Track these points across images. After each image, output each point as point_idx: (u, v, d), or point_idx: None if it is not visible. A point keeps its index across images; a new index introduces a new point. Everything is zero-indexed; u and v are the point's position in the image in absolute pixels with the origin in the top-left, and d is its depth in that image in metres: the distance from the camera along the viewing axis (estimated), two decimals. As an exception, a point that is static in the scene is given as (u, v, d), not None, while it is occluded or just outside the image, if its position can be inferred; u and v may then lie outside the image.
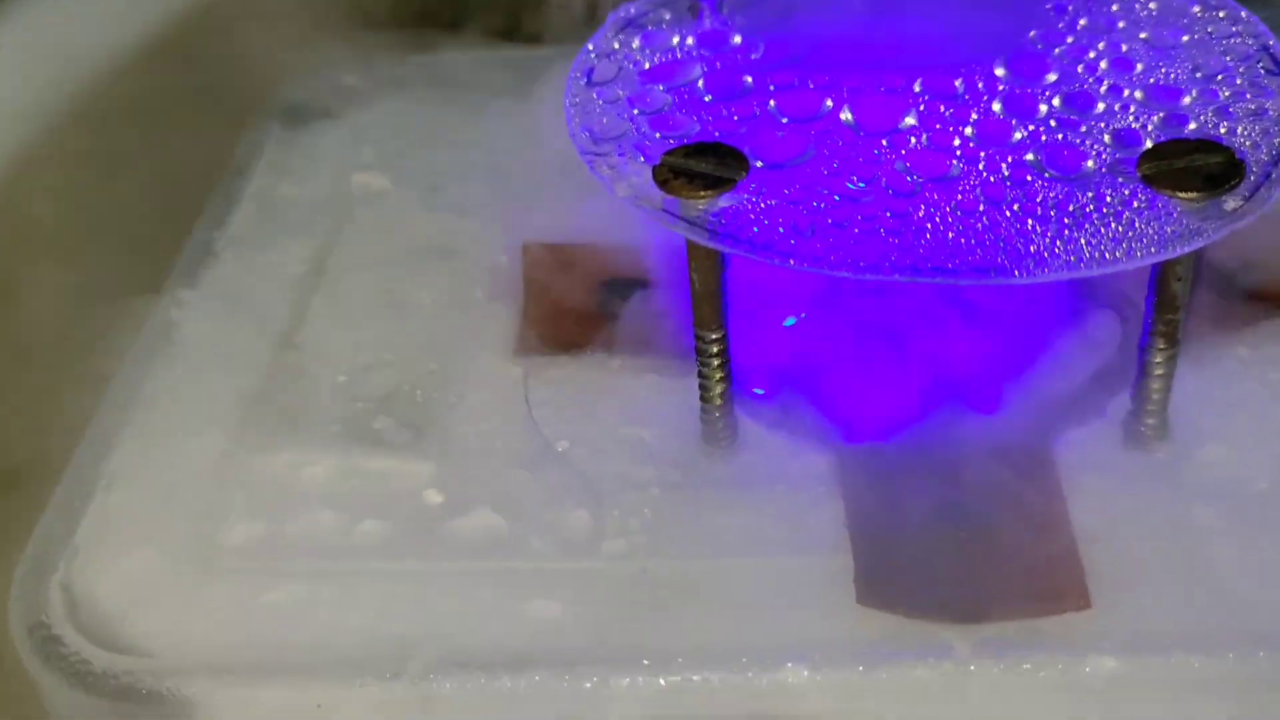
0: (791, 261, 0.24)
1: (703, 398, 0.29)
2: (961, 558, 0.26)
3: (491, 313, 0.34)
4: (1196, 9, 0.30)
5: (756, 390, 0.31)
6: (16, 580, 0.27)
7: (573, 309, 0.34)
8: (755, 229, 0.25)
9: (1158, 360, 0.28)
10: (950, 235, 0.24)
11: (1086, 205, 0.25)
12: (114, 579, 0.28)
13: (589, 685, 0.25)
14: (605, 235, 0.35)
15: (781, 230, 0.25)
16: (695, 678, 0.25)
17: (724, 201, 0.26)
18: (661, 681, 0.25)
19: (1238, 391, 0.30)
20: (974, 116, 0.27)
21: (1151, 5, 0.30)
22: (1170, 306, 0.27)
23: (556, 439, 0.30)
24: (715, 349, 0.28)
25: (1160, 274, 0.26)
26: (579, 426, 0.31)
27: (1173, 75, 0.28)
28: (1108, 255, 0.24)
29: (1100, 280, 0.32)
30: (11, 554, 0.28)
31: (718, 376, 0.29)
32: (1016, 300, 0.32)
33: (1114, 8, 0.30)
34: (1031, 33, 0.29)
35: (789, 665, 0.25)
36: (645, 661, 0.25)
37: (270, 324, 0.34)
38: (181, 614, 0.27)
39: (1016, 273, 0.23)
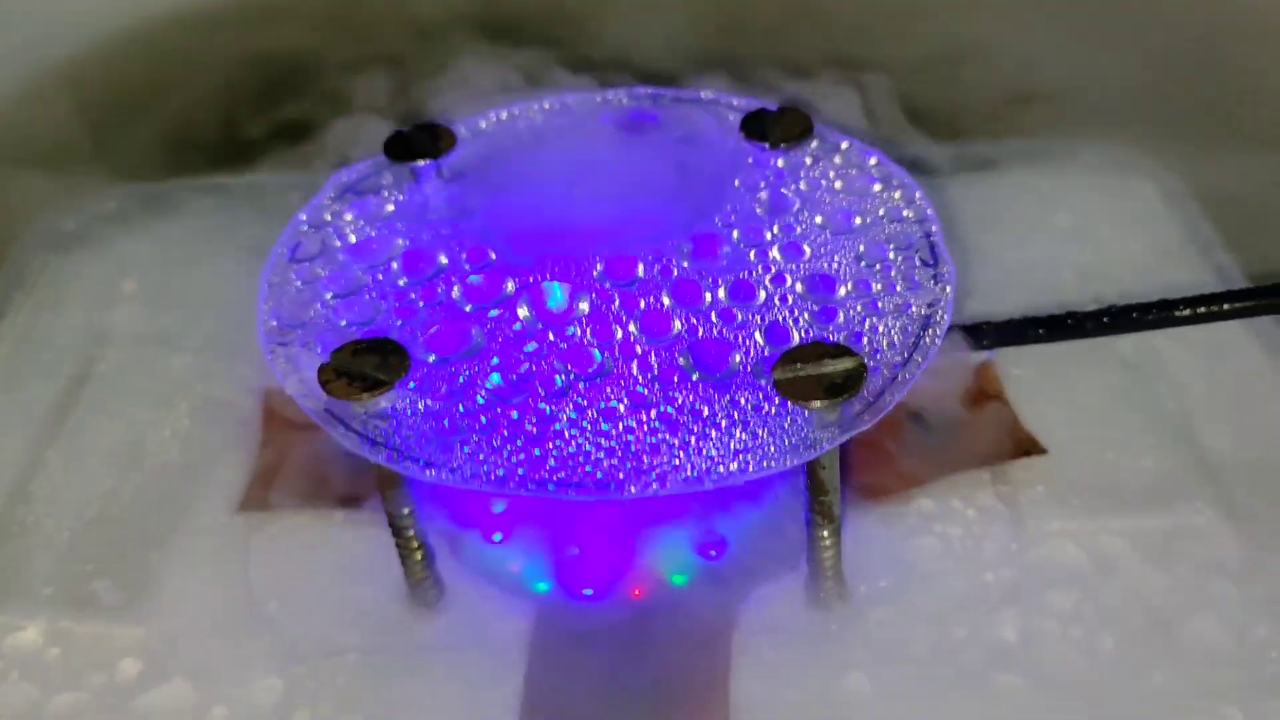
0: (429, 474, 0.25)
1: (405, 568, 0.30)
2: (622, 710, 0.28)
3: (226, 462, 0.34)
4: (877, 186, 0.31)
5: (495, 538, 0.32)
6: None
7: (305, 462, 0.34)
8: (400, 437, 0.26)
9: (823, 534, 0.29)
10: (584, 446, 0.25)
11: (718, 415, 0.26)
12: None
13: None
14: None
15: (427, 439, 0.26)
16: None
17: (383, 402, 0.27)
18: None
19: (915, 549, 0.32)
20: (643, 305, 0.28)
21: (837, 184, 0.32)
22: (821, 490, 0.28)
23: (267, 599, 0.31)
24: (407, 524, 0.30)
25: (809, 464, 0.28)
26: (293, 585, 0.31)
27: (835, 264, 0.29)
28: (726, 468, 0.25)
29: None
30: None
31: (414, 546, 0.30)
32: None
33: (802, 184, 0.31)
34: (719, 215, 0.30)
35: None
36: None
37: (4, 474, 0.34)
38: None
39: (632, 489, 0.25)
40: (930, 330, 0.28)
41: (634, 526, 0.32)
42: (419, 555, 0.30)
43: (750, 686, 0.29)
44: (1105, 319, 0.32)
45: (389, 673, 0.29)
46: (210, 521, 0.33)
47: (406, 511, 0.29)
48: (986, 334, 0.33)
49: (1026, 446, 0.33)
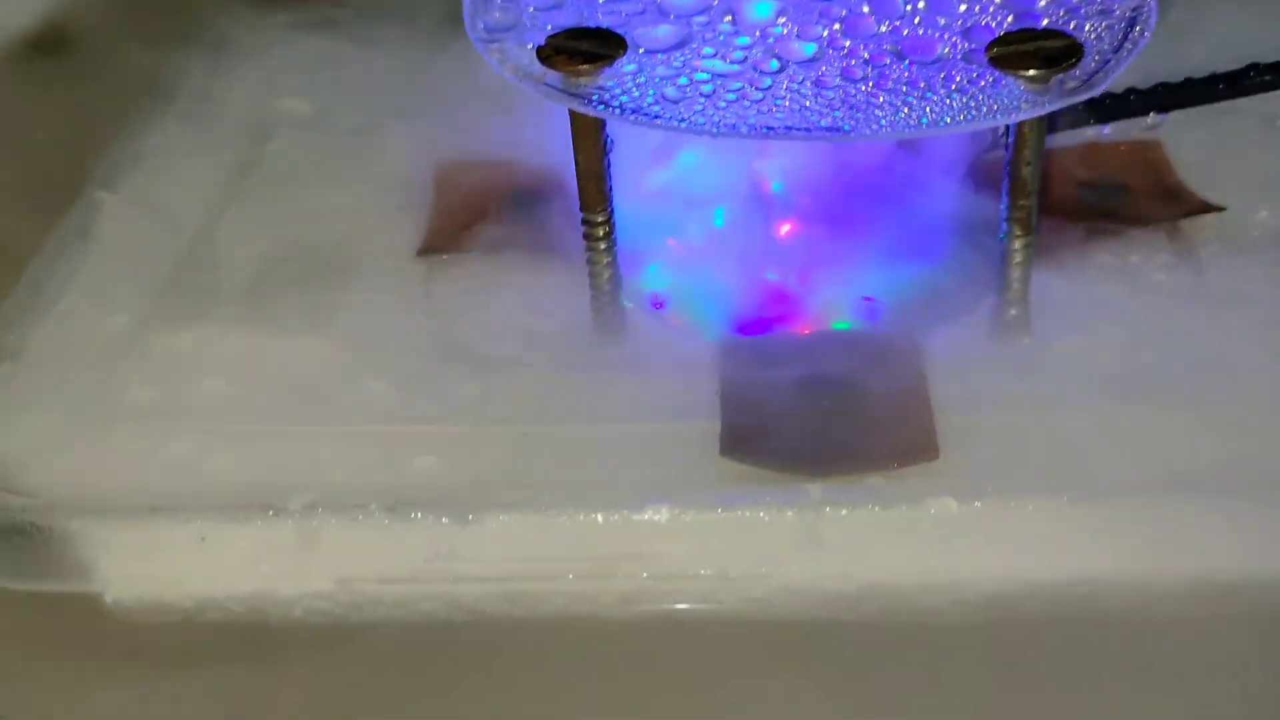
0: (658, 122, 0.26)
1: (592, 284, 0.31)
2: (823, 421, 0.28)
3: (400, 221, 0.35)
4: (1062, -69, 0.32)
5: (653, 304, 0.33)
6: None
7: (479, 217, 0.35)
8: (627, 98, 0.27)
9: (1015, 247, 0.29)
10: (806, 104, 0.26)
11: (936, 82, 0.26)
12: (14, 435, 0.29)
13: (461, 523, 0.26)
14: (515, 153, 0.37)
15: (652, 98, 0.27)
16: (563, 517, 0.26)
17: (603, 77, 0.27)
18: (532, 518, 0.26)
19: (1099, 293, 0.32)
20: (843, 13, 0.29)
21: (1020, -70, 0.32)
22: (1022, 192, 0.28)
23: (453, 326, 0.32)
24: (601, 231, 0.30)
25: (1011, 161, 0.28)
26: (476, 317, 0.32)
27: (1031, -18, 0.30)
28: (948, 120, 0.25)
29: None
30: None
31: (605, 260, 0.30)
32: (898, 208, 0.34)
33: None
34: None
35: (651, 507, 0.26)
36: (517, 502, 0.26)
37: (185, 225, 0.35)
38: (78, 465, 0.28)
39: (866, 131, 0.25)
40: (1137, 28, 0.28)
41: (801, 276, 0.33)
42: (607, 274, 0.31)
43: (943, 394, 0.29)
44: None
45: (583, 382, 0.30)
46: (389, 265, 0.34)
47: (602, 219, 0.30)
48: (1165, 94, 0.33)
49: (1201, 206, 0.33)
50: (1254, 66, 0.33)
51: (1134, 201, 0.34)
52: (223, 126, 0.39)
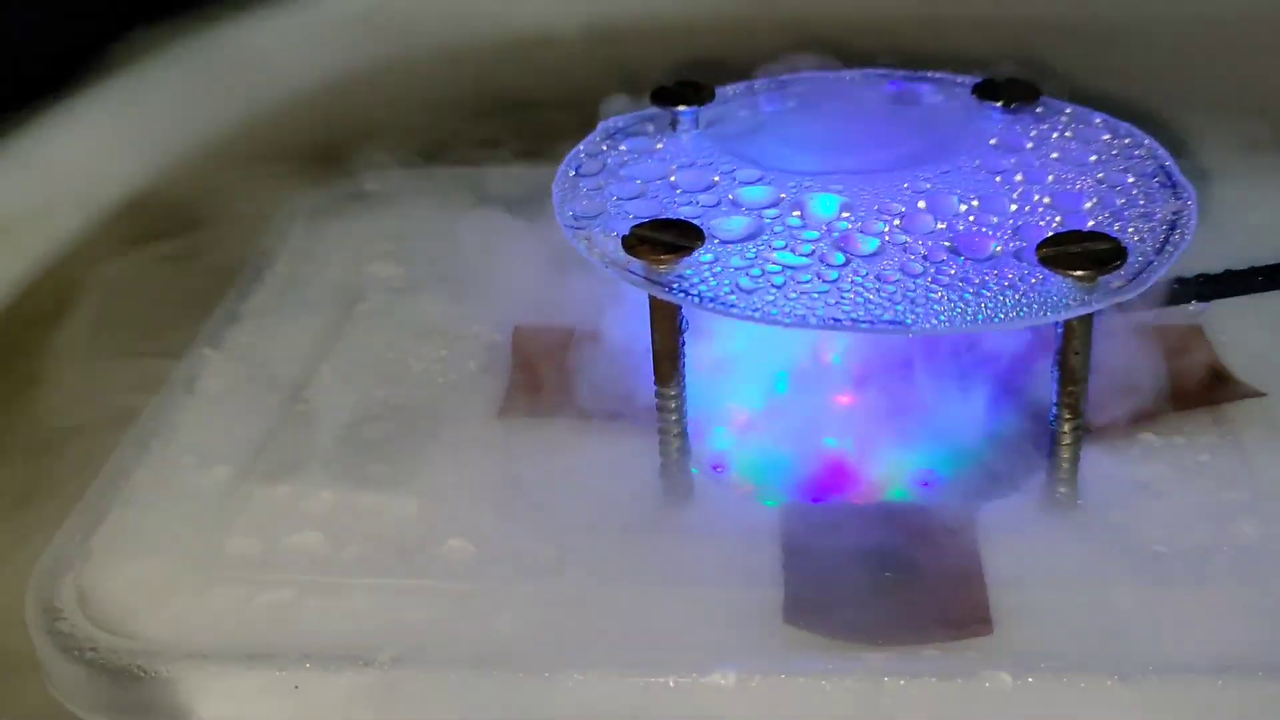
0: (734, 311, 0.28)
1: (662, 452, 0.33)
2: (882, 592, 0.29)
3: (481, 383, 0.38)
4: (1106, 136, 0.34)
5: (716, 468, 0.35)
6: (34, 575, 0.31)
7: (554, 381, 0.37)
8: (705, 287, 0.29)
9: (1065, 430, 0.31)
10: (869, 297, 0.28)
11: (989, 279, 0.29)
12: (122, 581, 0.31)
13: (538, 682, 0.28)
14: (588, 320, 0.39)
15: (728, 288, 0.29)
16: (636, 679, 0.28)
17: (681, 266, 0.30)
18: (607, 682, 0.28)
19: (1145, 472, 0.33)
20: (901, 210, 0.31)
21: (1067, 133, 0.35)
22: (1071, 379, 0.30)
23: (531, 488, 0.34)
24: (673, 404, 0.32)
25: (1061, 350, 0.30)
26: (552, 479, 0.34)
27: (1077, 186, 0.32)
28: (1001, 317, 0.27)
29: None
30: (33, 554, 0.31)
31: (675, 431, 0.32)
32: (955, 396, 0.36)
33: (1032, 133, 0.35)
34: (956, 152, 0.34)
35: (718, 670, 0.27)
36: (591, 663, 0.28)
37: (282, 381, 0.38)
38: (180, 612, 0.30)
39: (925, 326, 0.27)
40: (1178, 231, 0.30)
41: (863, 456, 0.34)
42: (677, 443, 0.33)
43: (996, 568, 0.30)
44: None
45: (652, 544, 0.31)
46: (472, 426, 0.36)
47: (675, 393, 0.32)
48: (1204, 285, 0.35)
49: (1244, 391, 0.35)
50: (1292, 261, 0.35)
51: (1177, 384, 0.36)
52: (318, 288, 0.42)
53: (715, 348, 0.36)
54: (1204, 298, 0.36)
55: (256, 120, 0.53)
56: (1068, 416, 0.31)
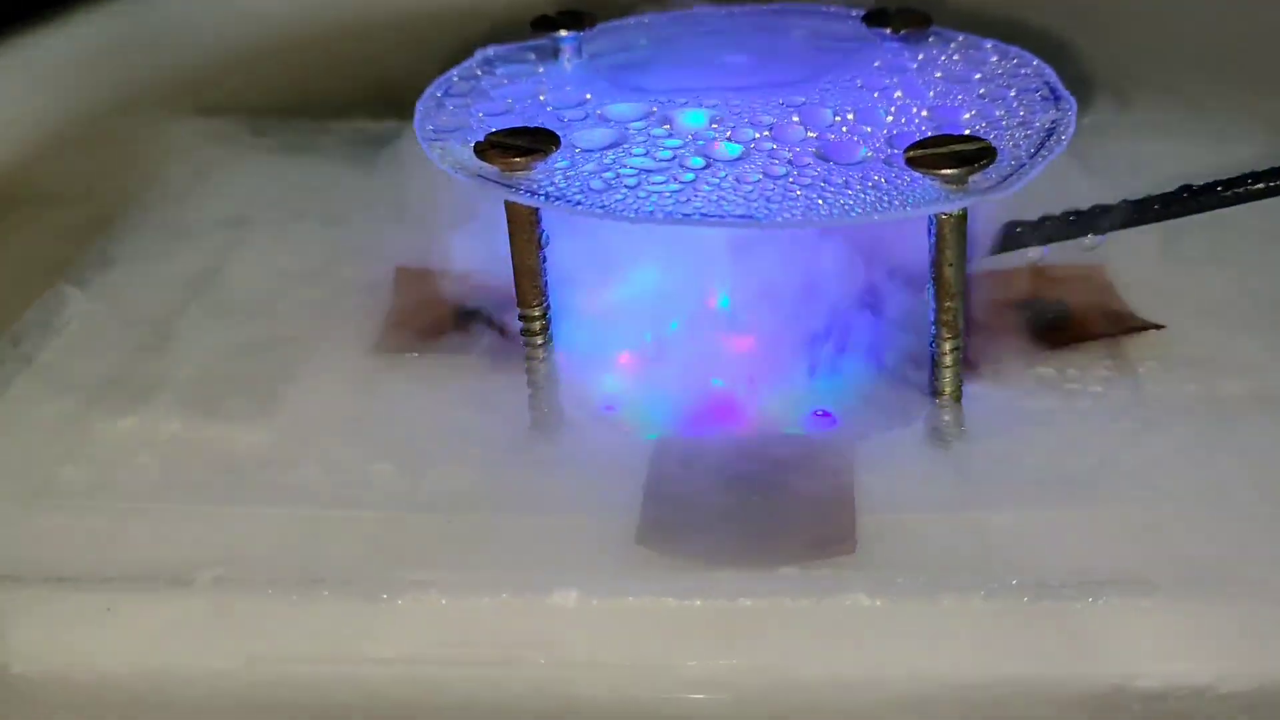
0: (580, 209, 0.27)
1: (529, 379, 0.31)
2: (745, 516, 0.28)
3: (357, 320, 0.36)
4: (994, 58, 0.33)
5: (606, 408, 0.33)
6: None
7: (432, 322, 0.36)
8: (554, 188, 0.27)
9: (944, 349, 0.30)
10: (723, 195, 0.27)
11: (853, 180, 0.27)
12: (-59, 508, 0.29)
13: (370, 604, 0.26)
14: (472, 265, 0.38)
15: (578, 189, 0.27)
16: (471, 600, 0.26)
17: (535, 171, 0.28)
18: (441, 600, 0.26)
19: (1034, 404, 0.32)
20: (771, 121, 0.30)
21: (955, 56, 0.33)
22: (947, 294, 0.29)
23: (394, 419, 0.32)
24: (538, 326, 0.31)
25: (935, 261, 0.29)
26: (419, 411, 0.32)
27: (957, 99, 0.31)
28: (859, 212, 0.26)
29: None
30: None
31: (541, 355, 0.31)
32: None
33: (918, 56, 0.33)
34: (838, 74, 0.32)
35: (559, 591, 0.26)
36: (429, 585, 0.26)
37: (147, 320, 0.36)
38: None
39: (778, 220, 0.26)
40: (1054, 137, 0.29)
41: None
42: (544, 369, 0.31)
43: (869, 491, 0.29)
44: (1221, 189, 0.33)
45: (512, 474, 0.30)
46: (341, 361, 0.34)
47: (539, 314, 0.30)
48: (1102, 215, 0.34)
49: (1140, 324, 0.34)
50: (1187, 188, 0.33)
51: (1075, 320, 0.35)
52: (198, 234, 0.40)
53: (603, 293, 0.34)
54: (1100, 230, 0.34)
55: (159, 83, 0.52)
56: (947, 335, 0.29)
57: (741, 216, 0.26)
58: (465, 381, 0.33)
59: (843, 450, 0.30)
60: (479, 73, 0.34)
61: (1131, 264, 0.36)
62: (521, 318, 0.31)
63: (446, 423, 0.32)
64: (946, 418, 0.30)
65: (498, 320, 0.35)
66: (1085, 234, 0.35)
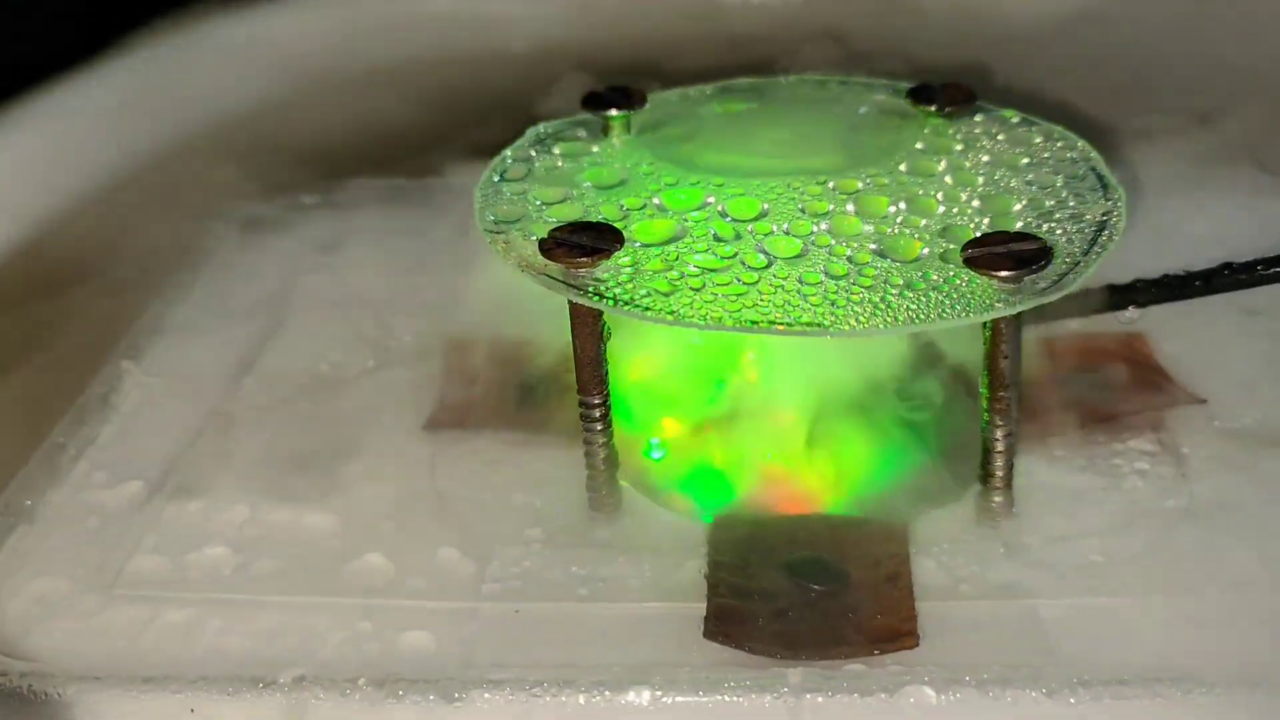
0: (649, 314, 0.27)
1: (588, 464, 0.32)
2: (808, 606, 0.28)
3: (410, 396, 0.36)
4: (1039, 139, 0.34)
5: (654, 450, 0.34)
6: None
7: (485, 394, 0.36)
8: (620, 290, 0.28)
9: (997, 437, 0.30)
10: (788, 298, 0.27)
11: (914, 280, 0.28)
12: (21, 601, 0.29)
13: (448, 705, 0.26)
14: (523, 336, 0.38)
15: (645, 292, 0.28)
16: (549, 699, 0.26)
17: (600, 270, 0.29)
18: (518, 697, 0.26)
19: (1082, 480, 0.32)
20: (827, 210, 0.30)
21: (1000, 136, 0.34)
22: (1001, 384, 0.29)
23: (452, 503, 0.33)
24: (598, 414, 0.31)
25: (989, 354, 0.29)
26: (476, 493, 0.33)
27: (1008, 186, 0.31)
28: (923, 319, 0.27)
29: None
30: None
31: (600, 441, 0.32)
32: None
33: (963, 136, 0.34)
34: (888, 156, 0.33)
35: (633, 689, 0.26)
36: (503, 683, 0.27)
37: (202, 395, 0.36)
38: (78, 632, 0.29)
39: (844, 328, 0.26)
40: (1106, 233, 0.29)
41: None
42: (603, 453, 0.32)
43: (927, 579, 0.29)
44: (1261, 268, 0.33)
45: (576, 560, 0.30)
46: (397, 439, 0.35)
47: (599, 401, 0.31)
48: (1143, 290, 0.35)
49: (1183, 398, 0.34)
50: (1228, 265, 0.34)
51: (1119, 392, 0.35)
52: (245, 301, 0.41)
53: (650, 364, 0.35)
54: (1141, 304, 0.35)
55: (190, 139, 0.52)
56: (999, 424, 0.30)
57: (809, 324, 0.27)
58: (522, 460, 0.34)
59: (899, 534, 0.30)
60: (532, 153, 0.35)
61: (1171, 335, 0.37)
62: (581, 404, 0.31)
63: (505, 505, 0.32)
64: (998, 500, 0.31)
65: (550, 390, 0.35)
66: (1126, 308, 0.36)
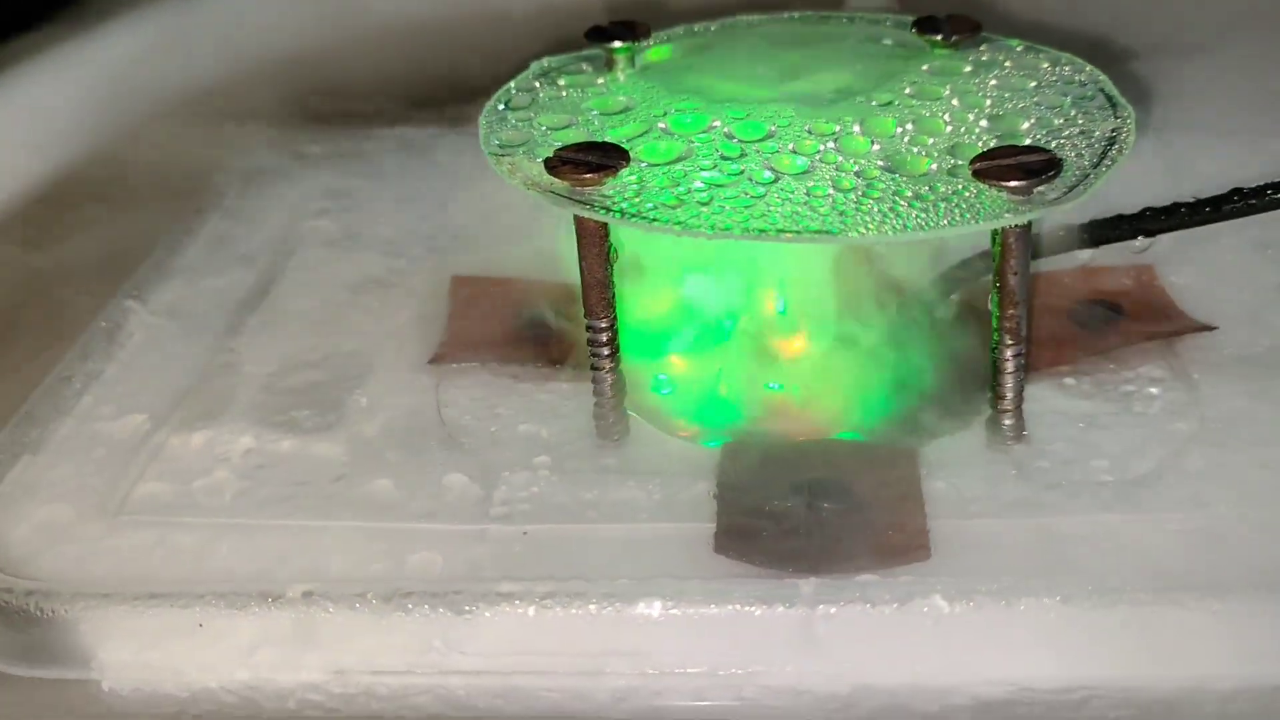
0: (656, 225, 0.27)
1: (595, 390, 0.32)
2: (818, 523, 0.28)
3: (415, 331, 0.36)
4: (1046, 65, 0.34)
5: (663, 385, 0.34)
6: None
7: (491, 330, 0.36)
8: (627, 203, 0.28)
9: (1007, 356, 0.30)
10: (796, 209, 0.27)
11: (923, 192, 0.28)
12: (24, 524, 0.29)
13: (457, 614, 0.26)
14: (529, 273, 0.38)
15: (652, 205, 0.28)
16: (558, 610, 0.26)
17: (606, 186, 0.29)
18: (527, 610, 0.26)
19: (1093, 406, 0.32)
20: (833, 131, 0.30)
21: (1007, 62, 0.34)
22: (1010, 301, 0.29)
23: (458, 432, 0.32)
24: (605, 337, 0.31)
25: (999, 269, 0.29)
26: (482, 423, 0.33)
27: (1015, 106, 0.31)
28: (932, 226, 0.26)
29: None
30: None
31: (608, 366, 0.31)
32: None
33: (970, 62, 0.34)
34: (895, 82, 0.33)
35: (643, 601, 0.26)
36: (514, 597, 0.27)
37: (208, 333, 0.36)
38: (83, 555, 0.29)
39: (852, 235, 0.26)
40: (1116, 147, 0.29)
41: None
42: (610, 379, 0.31)
43: (938, 497, 0.29)
44: (1271, 191, 0.33)
45: (583, 484, 0.30)
46: (403, 373, 0.35)
47: (606, 325, 0.31)
48: (1152, 219, 0.34)
49: (1194, 326, 0.34)
50: (1237, 191, 0.34)
51: (1128, 321, 0.35)
52: (251, 245, 0.41)
53: (661, 297, 0.35)
54: (1150, 232, 0.35)
55: (213, 84, 0.52)
56: (1009, 342, 0.30)
57: (818, 231, 0.26)
58: (528, 392, 0.34)
59: (909, 455, 0.30)
60: (537, 85, 0.35)
61: (1181, 264, 0.36)
62: (589, 329, 0.31)
63: (512, 434, 0.32)
64: (1009, 422, 0.31)
65: (557, 328, 0.35)
66: (1135, 237, 0.35)
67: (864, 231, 0.26)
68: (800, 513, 0.29)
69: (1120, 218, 0.35)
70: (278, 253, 0.40)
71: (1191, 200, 0.34)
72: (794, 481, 0.30)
